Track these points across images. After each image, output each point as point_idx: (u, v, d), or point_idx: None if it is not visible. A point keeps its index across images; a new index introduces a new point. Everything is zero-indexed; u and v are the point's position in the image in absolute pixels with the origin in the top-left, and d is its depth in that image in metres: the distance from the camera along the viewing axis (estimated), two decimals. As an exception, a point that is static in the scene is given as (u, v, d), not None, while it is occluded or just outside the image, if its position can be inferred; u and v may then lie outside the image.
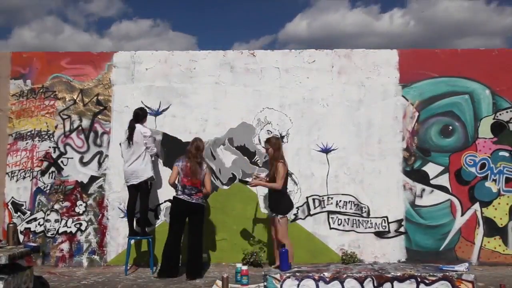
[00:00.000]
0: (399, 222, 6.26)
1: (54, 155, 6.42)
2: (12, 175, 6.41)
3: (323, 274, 3.83)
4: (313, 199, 6.30)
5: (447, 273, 3.79)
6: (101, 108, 6.50)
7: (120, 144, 6.00)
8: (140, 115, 5.92)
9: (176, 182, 5.57)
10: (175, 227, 5.54)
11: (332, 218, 6.27)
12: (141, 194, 5.84)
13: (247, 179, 5.94)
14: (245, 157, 6.35)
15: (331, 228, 6.27)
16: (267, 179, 5.59)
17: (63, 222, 6.33)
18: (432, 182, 6.28)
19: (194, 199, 5.48)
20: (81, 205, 6.34)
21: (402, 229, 6.24)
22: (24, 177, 6.41)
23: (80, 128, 6.46)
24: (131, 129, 5.77)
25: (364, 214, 6.29)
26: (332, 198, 6.31)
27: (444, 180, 6.28)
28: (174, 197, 5.59)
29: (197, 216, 5.52)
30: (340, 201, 6.31)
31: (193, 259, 5.44)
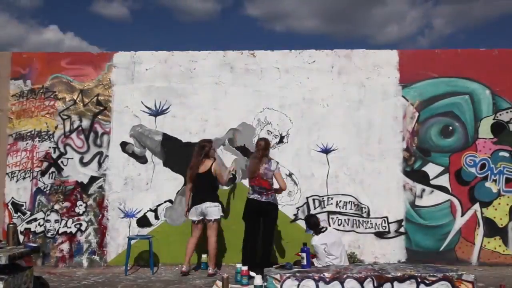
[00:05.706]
0: (399, 222, 6.25)
1: (54, 156, 6.42)
2: (12, 175, 6.41)
3: (323, 275, 3.83)
4: (313, 200, 6.30)
5: (447, 273, 3.79)
6: (101, 108, 6.50)
7: None
8: None
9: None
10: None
11: (332, 218, 6.27)
12: None
13: None
14: (245, 157, 6.35)
15: (331, 229, 6.26)
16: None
17: (63, 222, 6.33)
18: (432, 182, 6.28)
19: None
20: (81, 205, 6.34)
21: (402, 230, 6.24)
22: (24, 178, 6.41)
23: (80, 128, 6.46)
24: None
25: (364, 215, 6.29)
26: (332, 199, 6.31)
27: (444, 181, 6.28)
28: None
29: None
30: (340, 201, 6.31)
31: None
